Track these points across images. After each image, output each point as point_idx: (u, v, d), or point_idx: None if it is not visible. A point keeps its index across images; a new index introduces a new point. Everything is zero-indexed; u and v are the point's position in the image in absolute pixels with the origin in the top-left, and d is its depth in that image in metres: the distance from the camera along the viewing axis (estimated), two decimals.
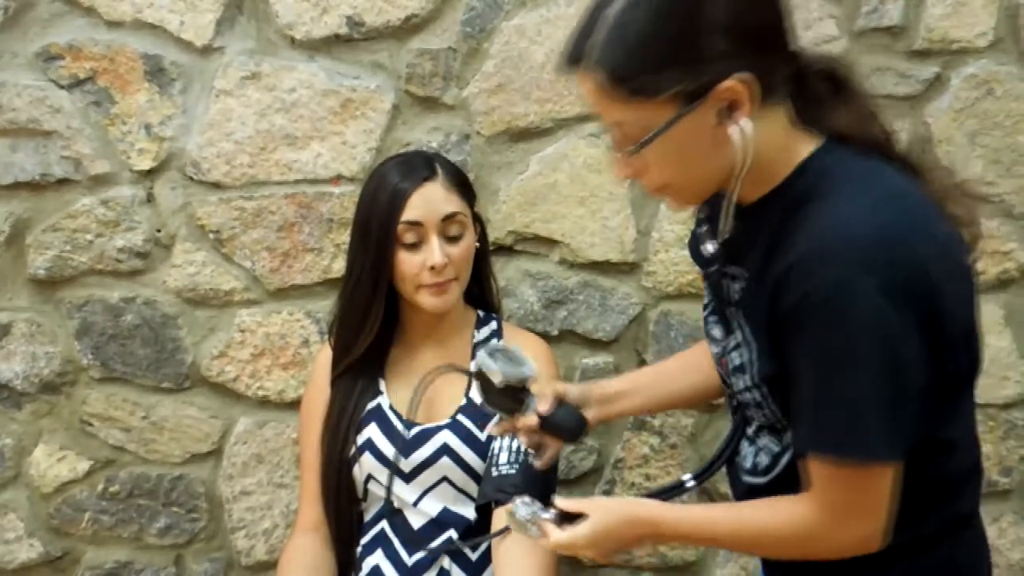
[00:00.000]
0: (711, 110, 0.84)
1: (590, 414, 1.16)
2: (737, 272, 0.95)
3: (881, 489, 0.86)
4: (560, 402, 1.12)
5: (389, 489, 1.26)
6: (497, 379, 1.08)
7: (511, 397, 1.10)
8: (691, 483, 1.07)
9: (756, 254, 0.90)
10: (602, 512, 0.98)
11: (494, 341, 1.22)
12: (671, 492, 1.09)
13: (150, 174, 1.58)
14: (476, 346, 1.34)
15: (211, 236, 1.60)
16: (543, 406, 1.10)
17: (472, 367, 1.19)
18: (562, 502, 1.01)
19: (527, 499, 1.02)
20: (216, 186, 1.58)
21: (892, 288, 0.79)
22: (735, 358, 0.95)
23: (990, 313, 1.65)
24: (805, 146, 0.88)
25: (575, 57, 0.86)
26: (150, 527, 1.71)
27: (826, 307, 0.81)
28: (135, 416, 1.67)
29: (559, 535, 0.98)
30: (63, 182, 1.57)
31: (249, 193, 1.59)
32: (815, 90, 0.88)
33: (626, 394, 1.19)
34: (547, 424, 1.11)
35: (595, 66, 0.84)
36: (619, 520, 0.97)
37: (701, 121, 0.84)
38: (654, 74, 0.83)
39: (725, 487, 1.63)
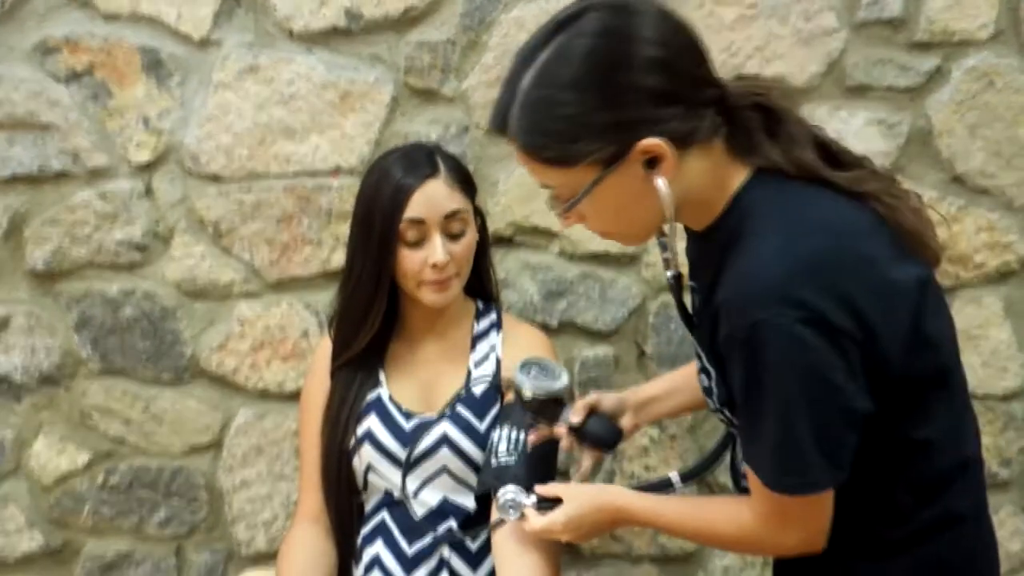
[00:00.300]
0: (635, 166, 0.86)
1: (626, 421, 1.22)
2: (694, 286, 1.01)
3: (813, 508, 0.90)
4: (592, 412, 1.18)
5: (405, 478, 1.27)
6: (528, 394, 1.15)
7: (544, 409, 1.17)
8: (678, 482, 1.12)
9: (704, 283, 0.94)
10: (576, 498, 1.07)
11: (530, 355, 1.22)
12: (657, 488, 1.14)
13: (148, 167, 1.58)
14: (476, 338, 1.34)
15: (210, 229, 1.60)
16: (575, 417, 1.17)
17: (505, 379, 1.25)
18: (540, 488, 1.09)
19: (512, 487, 1.11)
20: (215, 179, 1.58)
21: (811, 319, 0.81)
22: (703, 380, 0.99)
23: (990, 305, 1.65)
24: (738, 179, 0.91)
25: (499, 126, 0.90)
26: (150, 518, 1.72)
27: (747, 347, 0.84)
28: (135, 408, 1.67)
29: (537, 519, 1.07)
30: (61, 175, 1.57)
31: (248, 186, 1.59)
32: (745, 122, 0.90)
33: (660, 398, 1.24)
34: (579, 435, 1.18)
35: (513, 137, 0.89)
36: (590, 506, 1.06)
37: (626, 178, 0.87)
38: (568, 145, 0.86)
39: (725, 478, 1.64)
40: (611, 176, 0.86)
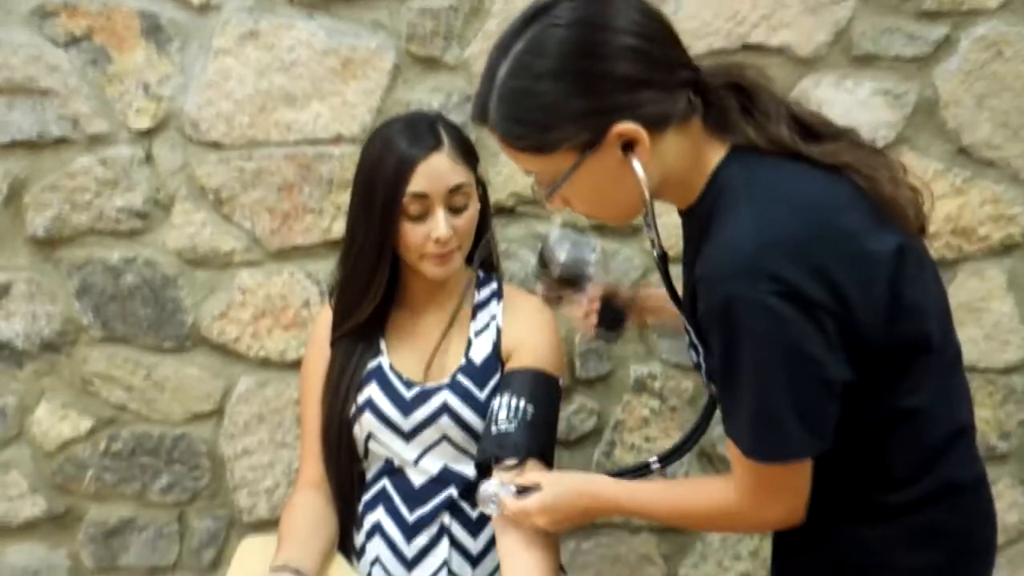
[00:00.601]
0: (612, 150, 0.89)
1: (631, 317, 1.31)
2: (684, 261, 1.03)
3: (793, 478, 0.93)
4: (610, 295, 1.27)
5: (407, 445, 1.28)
6: (562, 257, 1.21)
7: (572, 280, 1.24)
8: (656, 465, 1.12)
9: (689, 259, 0.97)
10: (554, 484, 1.09)
11: (559, 231, 1.25)
12: (636, 472, 1.15)
13: (148, 134, 1.56)
14: (477, 307, 1.34)
15: (210, 196, 1.59)
16: (593, 291, 1.25)
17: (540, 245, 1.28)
18: (521, 478, 1.12)
19: (494, 482, 1.13)
20: (215, 146, 1.57)
21: (785, 292, 0.83)
22: (692, 355, 1.01)
23: (993, 278, 1.64)
24: (715, 157, 0.93)
25: (480, 117, 0.93)
26: (152, 485, 1.73)
27: (722, 321, 0.86)
28: (136, 376, 1.68)
29: (513, 503, 1.10)
30: (61, 141, 1.56)
31: (248, 153, 1.58)
32: (720, 101, 0.92)
33: (662, 308, 1.29)
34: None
35: (493, 128, 0.92)
36: (566, 492, 1.09)
37: (604, 161, 0.89)
38: (544, 133, 0.88)
39: (722, 449, 1.65)
40: (589, 161, 0.89)
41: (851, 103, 1.56)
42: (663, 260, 1.02)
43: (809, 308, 0.83)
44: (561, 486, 1.10)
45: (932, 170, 1.59)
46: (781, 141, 0.90)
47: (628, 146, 0.88)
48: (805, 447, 0.89)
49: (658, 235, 0.99)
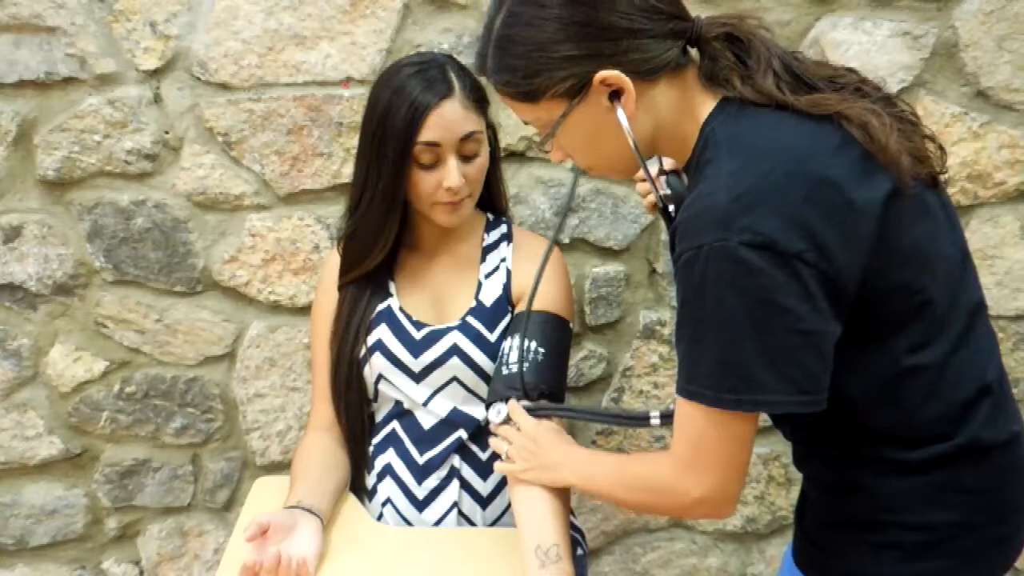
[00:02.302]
0: (599, 99, 0.90)
1: None
2: None
3: (733, 451, 0.90)
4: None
5: (418, 384, 1.28)
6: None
7: None
8: (655, 421, 1.11)
9: None
10: (531, 423, 1.16)
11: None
12: (633, 420, 1.15)
13: (156, 73, 1.55)
14: (486, 249, 1.34)
15: (220, 139, 1.58)
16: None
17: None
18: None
19: (501, 406, 1.18)
20: (224, 87, 1.55)
21: (756, 242, 0.81)
22: None
23: (1006, 225, 1.63)
24: (706, 109, 0.93)
25: (480, 68, 0.97)
26: (166, 427, 1.75)
27: (690, 268, 0.85)
28: (149, 319, 1.69)
29: (500, 428, 1.18)
30: (69, 81, 1.54)
31: (257, 95, 1.56)
32: (713, 53, 0.92)
33: None
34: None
35: (489, 76, 0.95)
36: (529, 427, 1.15)
37: (592, 110, 0.91)
38: (531, 79, 0.91)
39: None
40: (577, 109, 0.91)
41: (868, 45, 1.53)
42: (664, 213, 1.03)
43: (783, 258, 0.82)
44: (548, 429, 1.15)
45: (949, 114, 1.56)
46: (768, 92, 0.89)
47: (615, 95, 0.90)
48: (786, 399, 0.86)
49: (655, 187, 0.99)
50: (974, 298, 0.97)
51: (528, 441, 1.15)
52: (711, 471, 0.92)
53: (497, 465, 1.18)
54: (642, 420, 1.12)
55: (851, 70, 0.97)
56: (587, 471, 1.09)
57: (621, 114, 0.90)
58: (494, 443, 1.19)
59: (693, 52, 0.95)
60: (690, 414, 0.90)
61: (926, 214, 0.92)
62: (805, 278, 0.83)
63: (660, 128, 0.94)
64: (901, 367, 0.90)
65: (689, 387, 0.89)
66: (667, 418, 1.10)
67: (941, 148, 0.95)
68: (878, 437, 0.94)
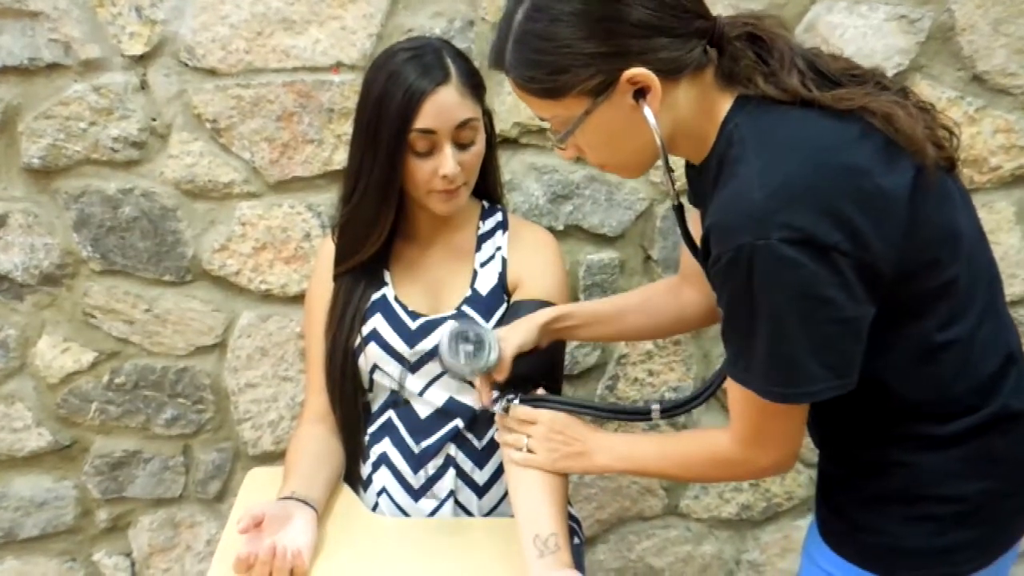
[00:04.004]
0: (623, 97, 0.90)
1: (543, 341, 1.22)
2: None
3: (791, 425, 0.96)
4: (516, 358, 1.18)
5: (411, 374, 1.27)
6: (464, 371, 1.17)
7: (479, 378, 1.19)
8: (656, 415, 1.13)
9: (705, 211, 0.97)
10: (548, 414, 1.15)
11: (456, 325, 1.17)
12: (635, 415, 1.17)
13: (143, 59, 1.52)
14: (481, 238, 1.33)
15: (208, 125, 1.56)
16: (500, 375, 1.18)
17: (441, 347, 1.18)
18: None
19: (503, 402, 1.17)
20: (212, 73, 1.53)
21: (795, 238, 0.83)
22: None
23: (1002, 210, 1.63)
24: (724, 107, 0.93)
25: (496, 62, 0.95)
26: (157, 418, 1.74)
27: (733, 269, 0.86)
28: (137, 309, 1.67)
29: (524, 408, 1.16)
30: (53, 67, 1.51)
31: (246, 81, 1.54)
32: (734, 52, 0.93)
33: (580, 325, 1.26)
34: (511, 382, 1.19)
35: (508, 72, 0.94)
36: (570, 421, 1.14)
37: (615, 108, 0.90)
38: (557, 76, 0.89)
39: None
40: (601, 107, 0.90)
41: (864, 28, 1.51)
42: (679, 211, 1.02)
43: (822, 251, 0.83)
44: (566, 417, 1.15)
45: (945, 98, 1.55)
46: (793, 89, 0.90)
47: (640, 93, 0.89)
48: (827, 386, 0.90)
49: (673, 186, 0.99)
50: (992, 272, 1.00)
51: (551, 431, 1.14)
52: (774, 445, 0.98)
53: (517, 457, 1.15)
54: (643, 415, 1.14)
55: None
56: (624, 453, 1.12)
57: (649, 113, 0.90)
58: (511, 438, 1.17)
59: (711, 52, 0.95)
60: (747, 398, 0.94)
61: (948, 197, 0.94)
62: (843, 268, 0.85)
63: (678, 127, 0.94)
64: (932, 343, 0.93)
65: (743, 376, 0.93)
66: (667, 412, 1.13)
67: (955, 134, 0.97)
68: (911, 414, 0.96)
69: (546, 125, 1.52)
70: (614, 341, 1.63)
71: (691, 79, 0.92)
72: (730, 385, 0.96)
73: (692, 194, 1.09)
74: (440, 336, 1.17)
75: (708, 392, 1.08)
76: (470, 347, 1.15)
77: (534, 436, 1.15)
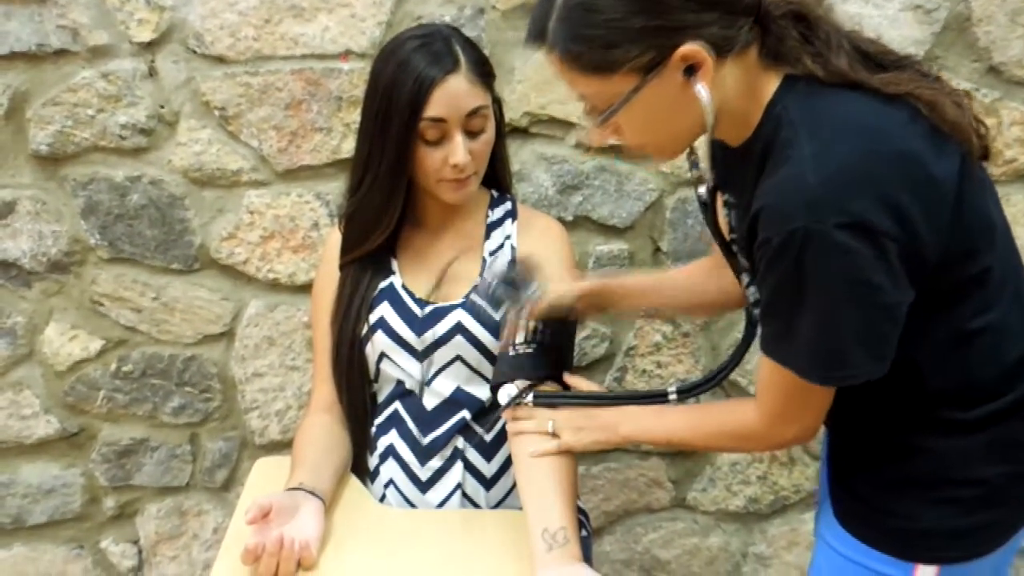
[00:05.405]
0: (674, 74, 0.87)
1: (579, 305, 1.23)
2: (732, 202, 1.03)
3: (820, 399, 0.96)
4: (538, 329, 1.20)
5: (422, 363, 1.27)
6: (505, 295, 1.18)
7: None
8: (673, 396, 1.14)
9: (744, 194, 0.95)
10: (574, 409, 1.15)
11: (501, 264, 1.21)
12: (651, 399, 1.17)
13: (151, 46, 1.51)
14: (490, 227, 1.32)
15: (216, 113, 1.55)
16: (533, 314, 1.19)
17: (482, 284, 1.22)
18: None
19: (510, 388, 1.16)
20: (220, 60, 1.52)
21: (849, 223, 0.83)
22: (752, 292, 1.02)
23: (1016, 203, 1.61)
24: (770, 88, 0.92)
25: (537, 37, 0.92)
26: (164, 406, 1.74)
27: (785, 252, 0.85)
28: (145, 297, 1.66)
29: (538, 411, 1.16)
30: (61, 53, 1.50)
31: (255, 68, 1.53)
32: (779, 31, 0.91)
33: (621, 295, 1.26)
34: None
35: (552, 47, 0.90)
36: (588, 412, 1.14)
37: (665, 86, 0.88)
38: (607, 51, 0.87)
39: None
40: (650, 84, 0.88)
41: (880, 18, 1.50)
42: (713, 193, 1.01)
43: (874, 237, 0.83)
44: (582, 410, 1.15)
45: (960, 90, 1.53)
46: (840, 71, 0.89)
47: (690, 71, 0.87)
48: (868, 370, 0.90)
49: (707, 173, 0.98)
50: (1017, 261, 1.01)
51: (575, 413, 1.15)
52: (801, 420, 0.98)
53: (543, 447, 1.14)
54: (660, 397, 1.14)
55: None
56: (647, 424, 1.12)
57: (703, 90, 0.87)
58: (533, 424, 1.16)
59: (756, 30, 0.93)
60: (781, 375, 0.94)
61: (985, 186, 0.95)
62: (890, 253, 0.85)
63: (721, 108, 0.92)
64: (965, 330, 0.94)
65: (783, 356, 0.93)
66: (684, 393, 1.14)
67: (985, 125, 0.97)
68: (938, 399, 0.97)
69: (565, 116, 1.53)
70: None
71: (736, 58, 0.90)
72: (763, 362, 0.96)
73: (718, 178, 1.06)
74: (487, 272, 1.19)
75: (725, 372, 1.09)
76: (516, 276, 1.17)
77: (557, 419, 1.15)
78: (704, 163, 0.99)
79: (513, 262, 1.20)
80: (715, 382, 1.11)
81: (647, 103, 0.89)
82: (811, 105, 0.89)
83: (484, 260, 1.29)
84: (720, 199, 1.06)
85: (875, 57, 0.92)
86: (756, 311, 1.01)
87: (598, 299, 1.25)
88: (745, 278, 1.03)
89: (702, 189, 1.02)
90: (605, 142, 0.98)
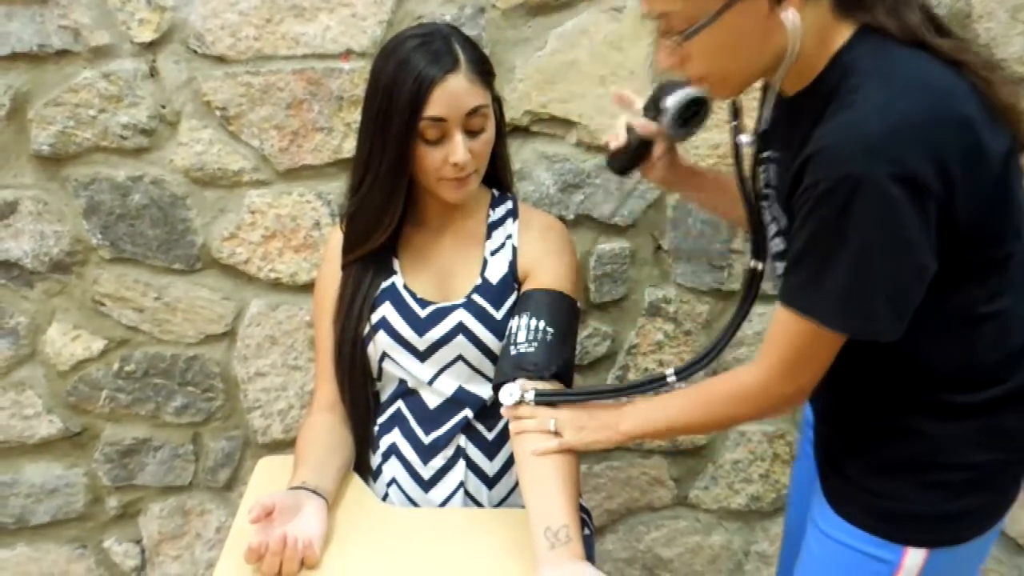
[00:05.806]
0: (761, 2, 0.87)
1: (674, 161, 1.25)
2: (774, 157, 1.02)
3: (827, 351, 0.95)
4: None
5: (423, 363, 1.26)
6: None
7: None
8: (672, 379, 1.14)
9: (793, 146, 0.94)
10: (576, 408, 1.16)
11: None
12: (652, 384, 1.16)
13: (152, 46, 1.51)
14: (491, 226, 1.32)
15: (217, 113, 1.55)
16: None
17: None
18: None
19: (512, 387, 1.15)
20: (221, 60, 1.52)
21: (902, 176, 0.83)
22: (777, 244, 1.02)
23: None
24: (841, 37, 0.91)
25: None
26: (166, 406, 1.74)
27: (832, 196, 0.85)
28: (147, 297, 1.66)
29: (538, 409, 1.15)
30: (62, 53, 1.51)
31: (256, 68, 1.53)
32: None
33: (694, 174, 1.28)
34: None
35: None
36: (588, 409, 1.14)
37: (752, 10, 0.88)
38: None
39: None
40: (738, 5, 0.87)
41: None
42: (763, 138, 1.01)
43: (920, 194, 0.84)
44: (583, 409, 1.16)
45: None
46: (912, 28, 0.90)
47: (776, 1, 0.88)
48: (890, 327, 0.90)
49: (769, 109, 0.98)
50: None
51: (574, 410, 1.15)
52: (806, 374, 0.98)
53: (545, 446, 1.14)
54: (659, 382, 1.15)
55: None
56: (648, 414, 1.12)
57: (792, 15, 0.88)
58: (535, 423, 1.16)
59: None
60: (797, 324, 0.94)
61: (1021, 175, 0.95)
62: (930, 213, 0.85)
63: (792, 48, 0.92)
64: (977, 314, 0.95)
65: (806, 304, 0.92)
66: (681, 373, 1.14)
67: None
68: (939, 382, 0.98)
69: (566, 115, 1.52)
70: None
71: (812, 3, 0.90)
72: (777, 316, 0.96)
73: (768, 134, 1.06)
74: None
75: (719, 347, 1.10)
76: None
77: (559, 418, 1.15)
78: (745, 117, 0.98)
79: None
80: (711, 357, 1.11)
81: (729, 27, 0.89)
82: (883, 57, 0.89)
83: (485, 260, 1.29)
84: (748, 155, 1.06)
85: (940, 22, 0.93)
86: (779, 264, 1.01)
87: (675, 157, 1.24)
88: (773, 228, 1.03)
89: (744, 137, 1.02)
90: (672, 67, 0.95)
